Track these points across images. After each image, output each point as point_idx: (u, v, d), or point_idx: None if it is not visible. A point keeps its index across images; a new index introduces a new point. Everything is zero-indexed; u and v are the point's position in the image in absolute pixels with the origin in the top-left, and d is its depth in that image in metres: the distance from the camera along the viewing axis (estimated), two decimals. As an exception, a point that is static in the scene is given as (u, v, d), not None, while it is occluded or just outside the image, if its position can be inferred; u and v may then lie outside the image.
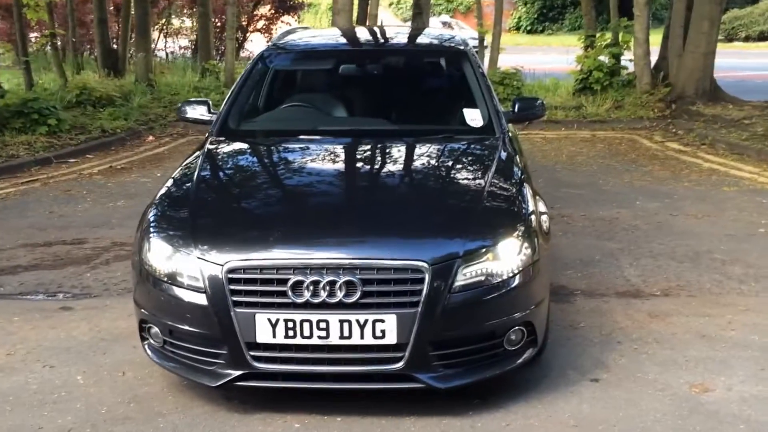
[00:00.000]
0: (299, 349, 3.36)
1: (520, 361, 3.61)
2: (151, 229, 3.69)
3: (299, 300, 3.31)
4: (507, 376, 3.69)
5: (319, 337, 3.33)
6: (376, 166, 4.34)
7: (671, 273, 5.44)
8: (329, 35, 6.39)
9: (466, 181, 4.13)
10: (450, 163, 4.35)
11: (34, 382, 3.86)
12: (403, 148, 4.52)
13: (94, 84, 11.66)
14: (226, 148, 4.58)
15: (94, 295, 5.11)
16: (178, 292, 3.46)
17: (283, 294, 3.32)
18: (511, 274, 3.49)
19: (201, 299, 3.39)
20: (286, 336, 3.33)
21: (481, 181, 3.99)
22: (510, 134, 4.71)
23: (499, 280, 3.46)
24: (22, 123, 9.55)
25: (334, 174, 4.26)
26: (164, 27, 19.20)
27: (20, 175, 8.58)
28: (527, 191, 3.99)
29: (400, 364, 3.35)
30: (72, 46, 15.69)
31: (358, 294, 3.30)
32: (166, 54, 18.94)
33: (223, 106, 4.89)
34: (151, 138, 10.50)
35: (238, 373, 3.41)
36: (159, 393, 3.72)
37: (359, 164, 4.41)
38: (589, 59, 12.53)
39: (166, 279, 3.50)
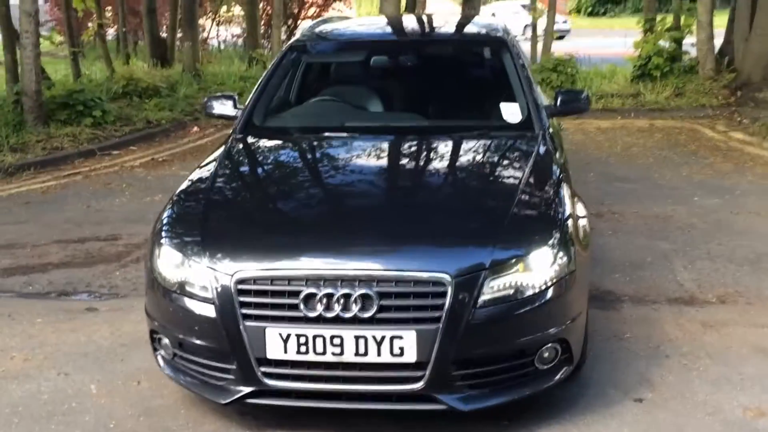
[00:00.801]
0: (312, 366, 3.13)
1: (553, 381, 3.32)
2: (162, 234, 3.50)
3: (311, 314, 3.08)
4: (539, 395, 3.41)
5: (333, 354, 3.09)
6: (402, 168, 4.07)
7: (729, 277, 5.05)
8: (364, 25, 6.12)
9: (498, 184, 3.84)
10: (482, 164, 4.05)
11: (46, 391, 3.73)
12: (433, 147, 4.25)
13: (141, 74, 11.64)
14: (247, 147, 4.37)
15: (121, 296, 4.98)
16: (187, 302, 3.26)
17: (295, 307, 3.09)
18: (543, 287, 3.20)
19: (210, 311, 3.19)
20: (298, 352, 3.11)
21: (515, 184, 3.69)
22: (551, 130, 4.40)
23: (530, 293, 3.18)
24: (68, 115, 9.54)
25: (357, 176, 4.00)
26: (216, 15, 19.15)
27: (63, 167, 8.56)
28: (565, 193, 3.68)
29: (419, 384, 3.10)
30: (122, 36, 15.74)
31: (375, 308, 3.06)
32: (218, 43, 18.89)
33: (248, 101, 4.68)
34: (195, 129, 10.42)
35: (248, 390, 3.20)
36: (171, 406, 3.54)
37: (384, 165, 4.14)
38: (648, 44, 11.99)
39: (175, 288, 3.31)
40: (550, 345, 3.26)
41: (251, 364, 3.15)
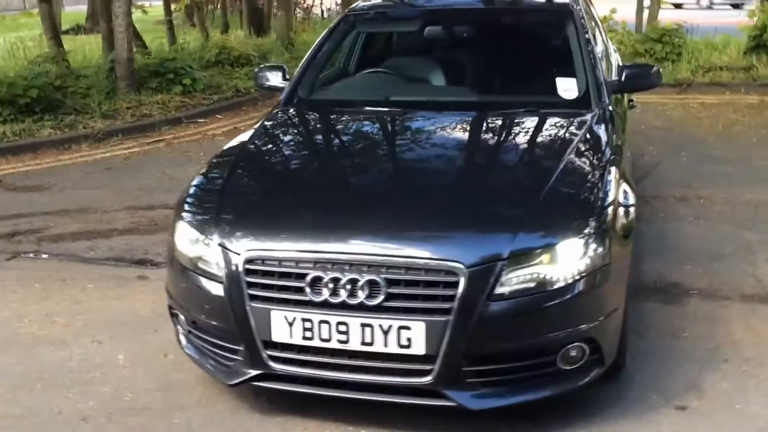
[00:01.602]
0: (318, 352, 3.00)
1: (580, 383, 3.07)
2: (183, 209, 3.43)
3: (317, 299, 2.94)
4: (572, 394, 3.17)
5: (339, 341, 2.95)
6: (436, 146, 3.84)
7: (817, 276, 4.59)
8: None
9: (534, 166, 3.57)
10: (523, 143, 3.78)
11: (76, 358, 3.76)
12: (473, 124, 4.00)
13: (234, 43, 11.72)
14: (284, 120, 4.25)
15: (173, 265, 5.00)
16: (200, 280, 3.18)
17: (301, 290, 2.96)
18: (570, 281, 2.94)
19: (219, 290, 3.10)
20: (304, 337, 2.98)
21: (553, 166, 3.40)
22: (611, 108, 4.06)
23: (555, 287, 2.93)
24: (158, 82, 9.71)
25: (384, 155, 3.82)
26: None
27: (150, 134, 8.72)
28: (612, 179, 3.38)
29: (428, 378, 2.92)
30: (222, 5, 15.94)
31: (383, 296, 2.89)
32: (321, 12, 18.89)
33: (296, 72, 4.56)
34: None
35: (254, 372, 3.11)
36: (190, 382, 3.49)
37: (415, 144, 3.93)
38: (765, 13, 11.09)
39: (189, 265, 3.24)
40: (576, 344, 3.01)
41: (257, 346, 3.05)
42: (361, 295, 2.89)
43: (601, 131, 3.84)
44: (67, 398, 3.39)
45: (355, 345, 2.94)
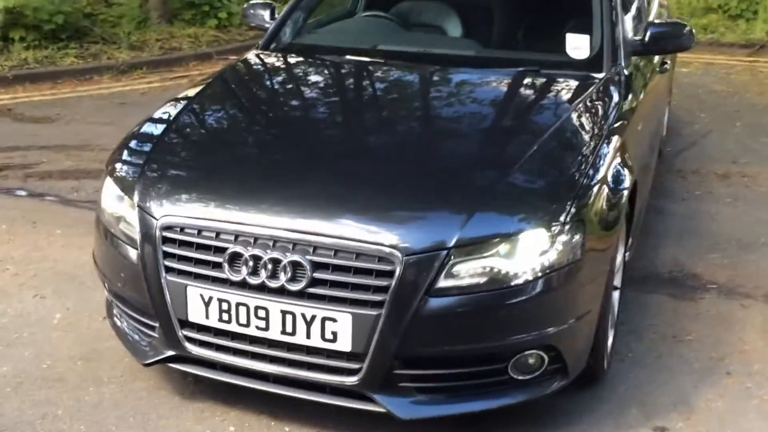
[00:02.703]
0: (236, 338, 2.63)
1: (536, 395, 2.64)
2: (113, 161, 3.07)
3: (235, 278, 2.56)
4: (537, 402, 2.74)
5: (258, 328, 2.57)
6: (404, 108, 3.35)
7: None
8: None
9: (514, 136, 3.06)
10: (510, 108, 3.28)
11: (10, 314, 3.48)
12: (458, 84, 3.50)
13: (278, -24, 11.24)
14: (252, 66, 3.81)
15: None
16: (119, 245, 2.82)
17: (219, 267, 2.58)
18: (529, 278, 2.49)
19: (134, 257, 2.75)
20: (220, 319, 2.61)
21: (536, 137, 2.92)
22: (628, 73, 3.50)
23: (510, 285, 2.48)
24: (193, 15, 9.32)
25: (343, 114, 3.36)
26: None
27: (176, 69, 8.38)
28: (604, 158, 2.88)
29: (354, 379, 2.52)
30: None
31: (306, 280, 2.49)
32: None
33: (282, 12, 4.11)
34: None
35: (168, 353, 2.77)
36: (119, 353, 3.12)
37: (381, 104, 3.43)
38: None
39: (110, 227, 2.89)
40: (532, 352, 2.57)
41: (173, 325, 2.69)
42: (283, 278, 2.50)
43: (607, 99, 3.31)
44: (-17, 359, 3.12)
45: (275, 334, 2.56)
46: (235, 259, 2.56)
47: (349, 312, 2.46)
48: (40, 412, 2.78)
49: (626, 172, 3.00)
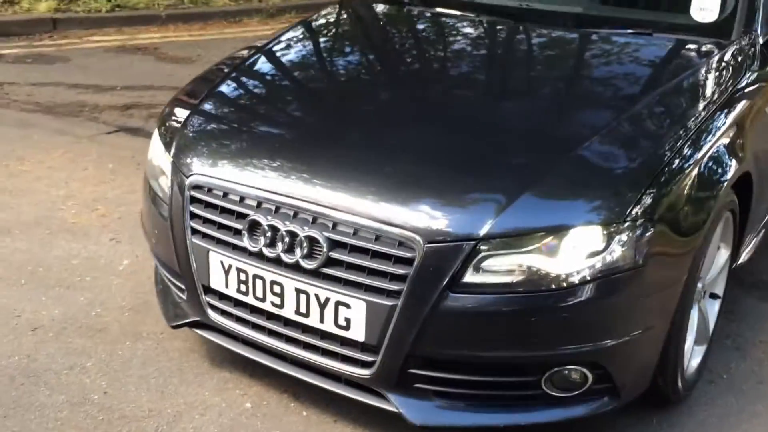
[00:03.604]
0: (254, 312, 2.44)
1: (576, 414, 2.27)
2: (164, 114, 2.94)
3: (254, 247, 2.36)
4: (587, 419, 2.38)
5: (273, 304, 2.37)
6: (472, 72, 2.95)
7: None
8: None
9: (595, 110, 2.61)
10: (599, 77, 2.82)
11: (83, 255, 3.48)
12: (551, 46, 3.05)
13: None
14: (336, 17, 3.53)
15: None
16: (155, 200, 2.70)
17: (240, 234, 2.40)
18: (575, 283, 2.11)
19: (165, 213, 2.62)
20: (239, 290, 2.43)
21: (616, 114, 2.48)
22: (764, 41, 2.93)
23: (549, 288, 2.11)
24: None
25: (401, 77, 2.99)
26: None
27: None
28: (706, 139, 2.42)
29: (367, 372, 2.27)
30: None
31: (322, 259, 2.25)
32: None
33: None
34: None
35: (192, 318, 2.63)
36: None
37: (453, 65, 3.02)
38: None
39: (151, 181, 2.77)
40: (572, 367, 2.20)
41: (197, 289, 2.55)
42: (299, 253, 2.27)
43: (728, 72, 2.78)
44: (39, 301, 3.12)
45: (289, 312, 2.35)
46: (254, 227, 2.36)
47: (363, 299, 2.20)
48: (70, 361, 2.75)
49: (732, 160, 2.50)
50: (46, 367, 2.72)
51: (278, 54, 3.26)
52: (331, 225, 2.26)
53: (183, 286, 2.62)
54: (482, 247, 2.11)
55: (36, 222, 3.80)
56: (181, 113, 2.83)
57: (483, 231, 2.11)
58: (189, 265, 2.53)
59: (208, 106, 2.84)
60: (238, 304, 2.47)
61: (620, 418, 2.46)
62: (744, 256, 2.95)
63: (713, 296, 2.80)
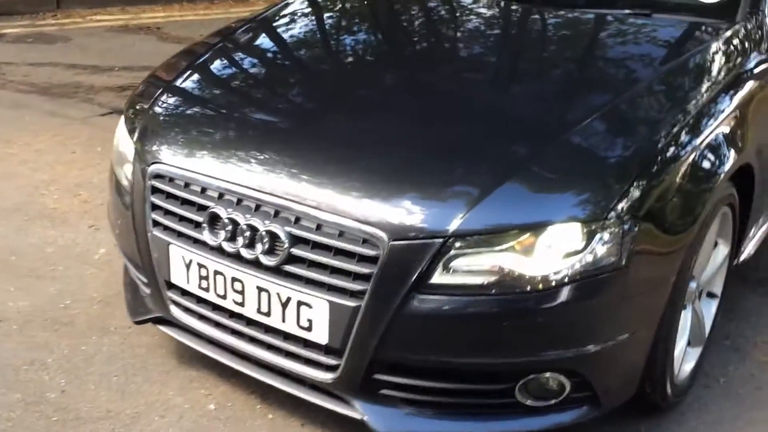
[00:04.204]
0: (217, 310, 2.31)
1: (556, 423, 2.11)
2: (132, 98, 2.80)
3: (214, 241, 2.22)
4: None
5: (235, 303, 2.23)
6: (450, 55, 2.75)
7: None
8: None
9: (583, 96, 2.43)
10: (590, 60, 2.64)
11: (59, 243, 3.36)
12: (538, 26, 2.87)
13: None
14: (296, 6, 3.32)
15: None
16: (118, 188, 2.57)
17: (200, 227, 2.26)
18: (551, 285, 1.95)
19: (127, 202, 2.49)
20: (200, 287, 2.29)
21: (609, 99, 2.31)
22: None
23: (523, 290, 1.95)
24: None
25: (374, 61, 2.81)
26: None
27: None
28: (702, 128, 2.24)
29: (329, 376, 2.13)
30: None
31: (284, 256, 2.10)
32: None
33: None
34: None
35: (155, 314, 2.50)
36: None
37: (430, 47, 2.85)
38: None
39: (115, 167, 2.64)
40: (548, 375, 2.05)
41: (158, 284, 2.42)
42: (259, 249, 2.13)
43: (731, 56, 2.59)
44: (7, 292, 3.00)
45: (251, 312, 2.21)
46: (215, 220, 2.22)
47: (326, 299, 2.05)
48: (31, 357, 2.63)
49: (730, 150, 2.32)
50: (6, 363, 2.60)
51: (256, 34, 3.10)
52: (293, 219, 2.11)
53: (146, 280, 2.50)
54: (452, 245, 1.96)
55: (15, 207, 3.69)
56: (149, 95, 2.69)
57: (453, 227, 1.96)
58: (150, 259, 2.40)
59: (174, 90, 2.69)
60: (200, 301, 2.34)
61: (605, 426, 2.30)
62: (746, 253, 2.77)
63: (710, 295, 2.63)
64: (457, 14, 3.05)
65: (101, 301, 2.97)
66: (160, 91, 2.68)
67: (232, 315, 2.27)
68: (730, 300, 2.86)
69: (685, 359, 2.46)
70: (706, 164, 2.23)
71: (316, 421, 2.37)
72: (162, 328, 2.52)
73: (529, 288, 1.95)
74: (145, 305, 2.56)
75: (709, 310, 2.61)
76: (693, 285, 2.37)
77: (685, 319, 2.40)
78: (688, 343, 2.48)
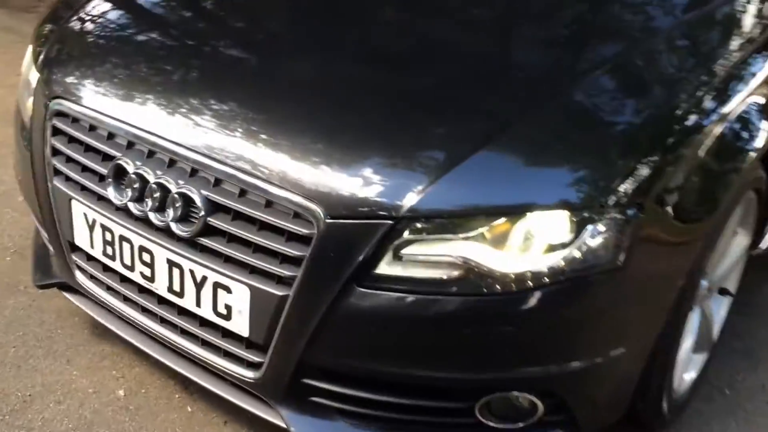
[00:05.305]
0: (125, 282, 1.91)
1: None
2: (44, 18, 2.33)
3: (119, 200, 1.80)
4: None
5: (143, 276, 1.83)
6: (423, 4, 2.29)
7: None
8: None
9: (578, 54, 1.96)
10: (597, 4, 2.17)
11: (-17, 180, 2.98)
12: None
13: None
14: None
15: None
16: (20, 127, 2.14)
17: (105, 181, 1.84)
18: (527, 284, 1.53)
19: (27, 141, 2.06)
20: (104, 253, 1.89)
21: (620, 50, 1.86)
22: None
23: (491, 289, 1.54)
24: None
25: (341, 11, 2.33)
26: None
27: None
28: (730, 95, 1.81)
29: (251, 375, 1.74)
30: None
31: (199, 225, 1.69)
32: None
33: None
34: None
35: (58, 279, 2.11)
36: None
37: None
38: None
39: (19, 101, 2.20)
40: (516, 394, 1.65)
41: (61, 245, 2.02)
42: (171, 215, 1.71)
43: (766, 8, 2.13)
44: None
45: (161, 289, 1.80)
46: (121, 174, 1.80)
47: (247, 284, 1.64)
48: None
49: (764, 124, 1.88)
50: None
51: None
52: (212, 181, 1.68)
53: (49, 238, 2.09)
54: (405, 228, 1.54)
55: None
56: (60, 17, 2.23)
57: (407, 205, 1.53)
58: (52, 214, 1.99)
59: (90, 13, 2.21)
60: (107, 269, 1.94)
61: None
62: (766, 242, 2.35)
63: (723, 292, 2.22)
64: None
65: (16, 252, 2.58)
66: (72, 11, 2.22)
67: (142, 290, 1.87)
68: (745, 292, 2.45)
69: (686, 369, 2.06)
70: (734, 139, 1.80)
71: (242, 418, 1.99)
72: (67, 295, 2.13)
73: (498, 288, 1.53)
74: (48, 268, 2.16)
75: (720, 310, 2.21)
76: (704, 283, 1.96)
77: (692, 321, 1.99)
78: (692, 349, 2.08)
